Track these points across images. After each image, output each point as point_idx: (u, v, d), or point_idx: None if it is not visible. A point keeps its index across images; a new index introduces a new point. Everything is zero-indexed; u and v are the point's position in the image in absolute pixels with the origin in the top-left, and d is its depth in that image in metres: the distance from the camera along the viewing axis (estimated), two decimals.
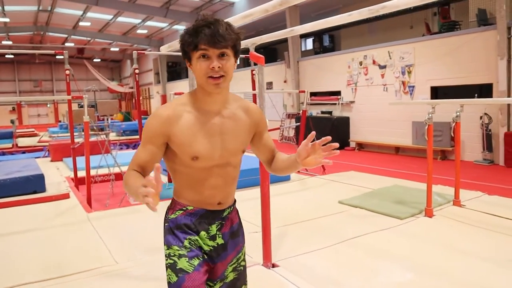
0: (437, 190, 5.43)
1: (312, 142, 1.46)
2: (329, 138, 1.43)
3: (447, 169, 7.54)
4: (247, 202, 5.24)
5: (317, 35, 14.08)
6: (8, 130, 13.79)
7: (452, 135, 5.00)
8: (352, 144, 11.64)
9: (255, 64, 5.71)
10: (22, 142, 13.32)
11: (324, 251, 3.66)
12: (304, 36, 15.13)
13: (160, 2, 16.23)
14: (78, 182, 6.65)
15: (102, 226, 4.55)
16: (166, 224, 1.61)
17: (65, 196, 5.84)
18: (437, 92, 9.61)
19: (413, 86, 9.83)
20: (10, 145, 12.50)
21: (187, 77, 22.39)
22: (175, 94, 6.23)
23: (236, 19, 2.42)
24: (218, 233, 1.60)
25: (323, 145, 1.45)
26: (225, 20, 1.47)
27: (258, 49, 15.80)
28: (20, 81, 29.41)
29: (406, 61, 9.95)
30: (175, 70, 24.58)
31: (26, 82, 29.59)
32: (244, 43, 3.48)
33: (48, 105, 29.11)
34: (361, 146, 11.41)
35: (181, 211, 1.57)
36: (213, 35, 1.38)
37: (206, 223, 1.57)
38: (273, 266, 3.35)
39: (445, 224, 4.29)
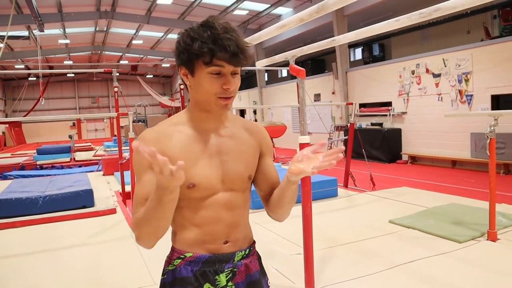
0: (501, 210, 4.91)
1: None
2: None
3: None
4: (289, 220, 5.04)
5: (366, 45, 13.70)
6: (67, 144, 14.49)
7: None
8: (405, 157, 11.07)
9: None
10: (80, 156, 13.94)
11: (373, 278, 3.37)
12: (353, 46, 14.78)
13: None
14: (125, 196, 6.76)
15: None
16: (162, 278, 1.31)
17: (112, 211, 5.94)
18: (499, 101, 8.91)
19: (471, 95, 9.19)
20: (68, 159, 13.12)
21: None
22: None
23: (272, 30, 2.28)
24: (229, 284, 1.27)
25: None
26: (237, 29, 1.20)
27: (305, 60, 15.68)
28: (80, 98, 31.15)
29: (463, 69, 9.35)
30: None
31: (85, 99, 31.30)
32: (284, 56, 3.33)
33: (105, 120, 30.52)
34: (414, 159, 10.82)
35: (179, 260, 1.27)
36: (236, 52, 1.13)
37: (211, 273, 1.25)
38: None
39: None
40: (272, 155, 1.43)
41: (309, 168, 1.10)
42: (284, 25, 2.12)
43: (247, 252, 1.33)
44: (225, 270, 1.27)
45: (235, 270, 1.28)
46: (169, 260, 1.30)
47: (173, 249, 1.30)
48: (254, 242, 1.40)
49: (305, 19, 1.98)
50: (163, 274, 1.31)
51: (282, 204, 1.29)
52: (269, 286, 1.42)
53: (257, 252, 1.41)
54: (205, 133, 1.27)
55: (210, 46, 1.12)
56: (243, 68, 1.26)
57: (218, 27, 1.14)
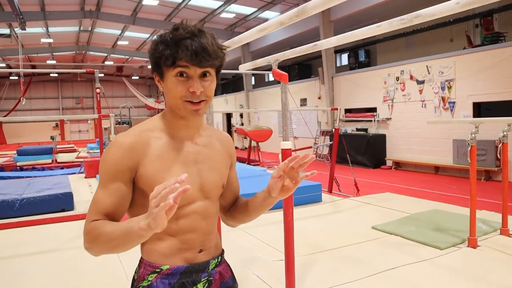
0: (481, 216, 4.96)
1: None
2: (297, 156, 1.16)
3: (492, 192, 6.98)
4: (271, 226, 5.01)
5: (352, 50, 13.79)
6: (49, 146, 14.23)
7: (499, 156, 4.57)
8: (389, 163, 11.15)
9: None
10: (62, 157, 13.68)
11: (354, 285, 3.34)
12: (339, 51, 14.87)
13: (195, 20, 16.33)
14: None
15: None
16: None
17: None
18: (480, 108, 9.04)
19: (454, 102, 9.31)
20: (50, 161, 12.87)
21: (222, 93, 22.64)
22: None
23: (253, 33, 2.25)
24: None
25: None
26: (210, 32, 1.18)
27: (292, 65, 15.69)
28: (63, 98, 30.65)
29: (446, 76, 9.47)
30: None
31: (69, 99, 30.82)
32: (266, 60, 3.29)
33: (89, 122, 30.13)
34: (398, 165, 10.91)
35: (155, 274, 1.20)
36: (198, 51, 1.09)
37: (189, 283, 1.21)
38: None
39: (492, 256, 3.86)
40: (235, 165, 1.44)
41: (292, 184, 1.17)
42: (265, 28, 2.09)
43: (219, 259, 1.33)
44: (202, 280, 1.24)
45: (211, 278, 1.27)
46: (142, 276, 1.22)
47: (144, 263, 1.23)
48: (223, 250, 1.39)
49: (285, 22, 1.95)
50: None
51: (252, 214, 1.33)
52: None
53: (226, 260, 1.40)
54: (182, 141, 1.24)
55: (172, 48, 1.11)
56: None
57: (183, 30, 1.12)
